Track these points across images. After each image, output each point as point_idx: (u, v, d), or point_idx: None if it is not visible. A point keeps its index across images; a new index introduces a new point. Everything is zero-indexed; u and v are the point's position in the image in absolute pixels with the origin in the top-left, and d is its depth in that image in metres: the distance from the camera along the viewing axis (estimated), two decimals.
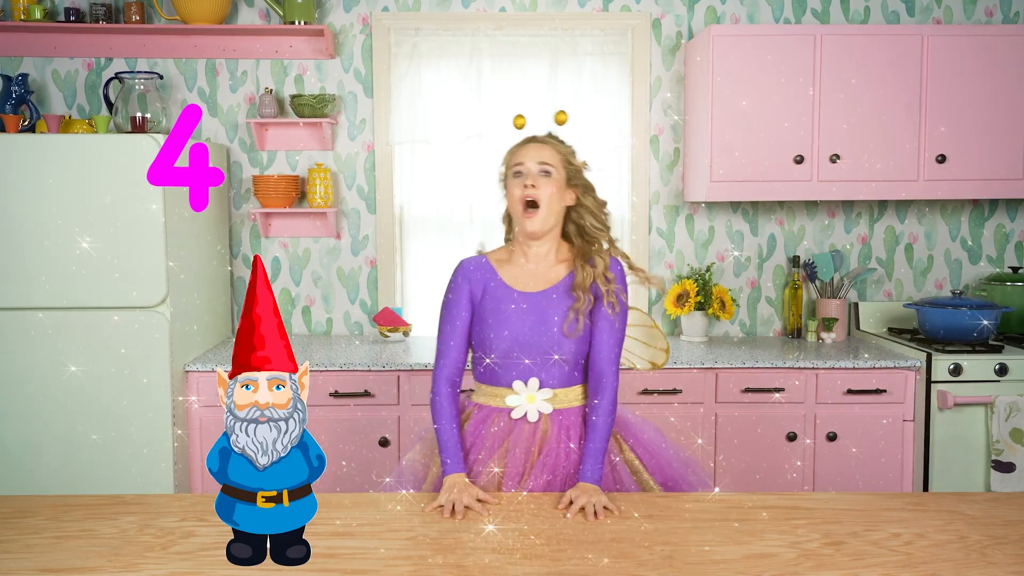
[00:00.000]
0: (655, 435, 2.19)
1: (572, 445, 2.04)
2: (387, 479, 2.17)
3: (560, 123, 2.21)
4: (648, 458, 2.14)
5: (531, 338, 2.03)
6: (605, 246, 2.11)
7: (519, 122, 2.22)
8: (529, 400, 2.05)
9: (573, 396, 2.09)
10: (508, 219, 2.18)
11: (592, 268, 2.05)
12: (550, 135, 2.14)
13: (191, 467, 3.16)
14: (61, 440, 3.00)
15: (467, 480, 1.94)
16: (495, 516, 1.79)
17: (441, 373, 2.07)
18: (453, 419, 2.03)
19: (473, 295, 2.09)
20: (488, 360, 2.07)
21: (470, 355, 2.13)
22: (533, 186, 2.02)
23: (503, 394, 2.06)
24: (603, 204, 2.13)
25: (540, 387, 2.05)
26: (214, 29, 3.42)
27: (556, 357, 2.03)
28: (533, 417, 2.05)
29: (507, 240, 2.20)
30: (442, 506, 1.84)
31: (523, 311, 2.05)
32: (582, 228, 2.10)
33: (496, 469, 2.01)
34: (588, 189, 2.11)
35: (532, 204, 2.02)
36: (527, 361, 2.04)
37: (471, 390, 2.17)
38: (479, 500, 1.86)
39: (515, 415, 2.05)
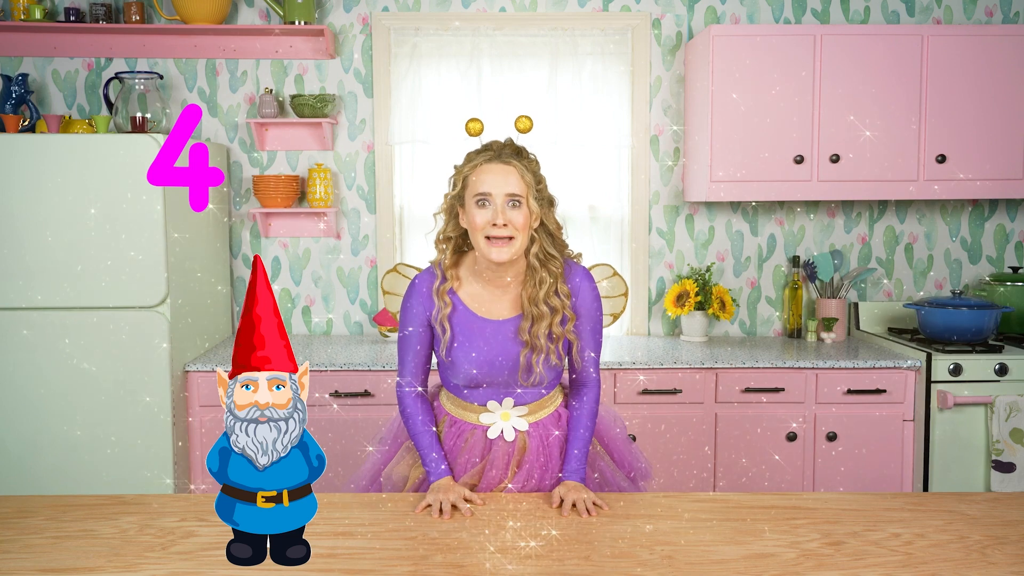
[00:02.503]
0: (613, 425, 2.18)
1: (550, 455, 2.00)
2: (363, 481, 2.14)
3: (523, 131, 2.00)
4: (615, 453, 2.15)
5: (500, 365, 1.95)
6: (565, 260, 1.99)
7: (474, 128, 2.01)
8: (504, 418, 1.99)
9: (548, 402, 2.04)
10: (450, 237, 1.98)
11: (543, 313, 1.91)
12: (513, 147, 1.94)
13: (191, 467, 3.16)
14: (61, 440, 3.00)
15: (452, 481, 1.92)
16: (495, 516, 1.79)
17: (406, 390, 2.01)
18: (428, 425, 1.98)
19: (430, 318, 1.97)
20: (456, 382, 2.00)
21: (435, 361, 2.06)
22: (504, 224, 1.85)
23: (477, 411, 2.00)
24: (560, 227, 1.97)
25: (515, 404, 1.99)
26: (214, 29, 3.42)
27: (526, 381, 1.96)
28: (510, 436, 1.99)
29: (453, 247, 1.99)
30: (430, 505, 1.82)
31: (489, 338, 1.95)
32: (533, 252, 1.92)
33: (471, 481, 1.98)
34: (552, 205, 1.96)
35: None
36: (498, 385, 1.98)
37: (439, 388, 2.11)
38: (465, 499, 1.84)
39: (491, 434, 1.99)
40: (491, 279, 1.96)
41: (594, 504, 1.83)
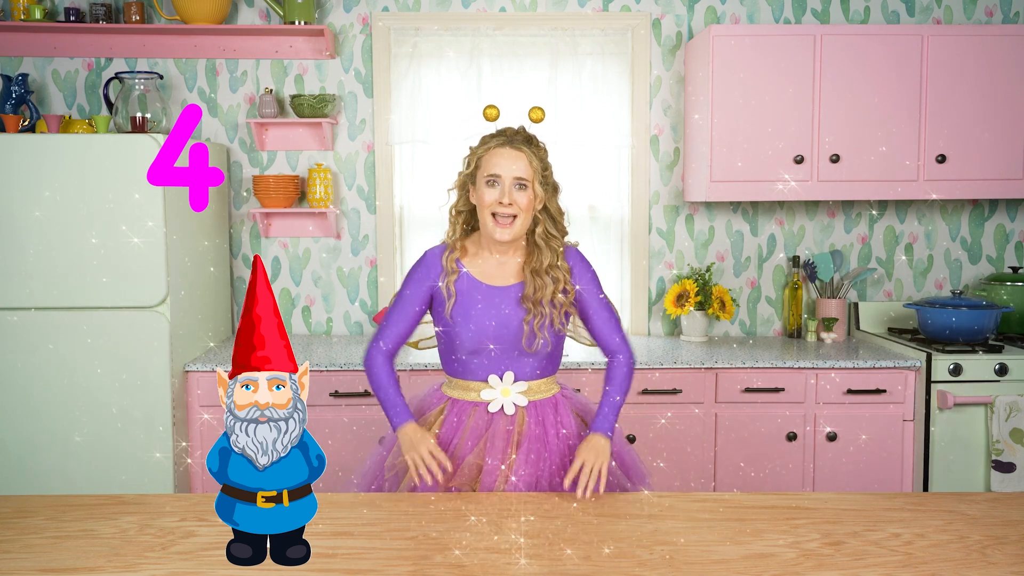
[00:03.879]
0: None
1: (547, 441, 2.07)
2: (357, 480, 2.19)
3: (536, 121, 2.15)
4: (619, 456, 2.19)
5: (502, 333, 2.04)
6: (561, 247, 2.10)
7: (491, 114, 2.16)
8: (504, 393, 2.07)
9: (547, 387, 2.12)
10: (461, 211, 2.12)
11: (545, 283, 2.03)
12: (524, 135, 2.08)
13: (191, 467, 3.16)
14: (61, 440, 3.00)
15: (418, 428, 2.02)
16: (495, 516, 1.79)
17: (378, 346, 2.10)
18: (392, 383, 2.08)
19: (435, 289, 2.08)
20: (459, 355, 2.07)
21: (436, 349, 2.17)
22: (509, 204, 1.99)
23: (477, 388, 2.09)
24: (562, 213, 2.10)
25: (515, 380, 2.08)
26: (214, 29, 3.42)
27: (530, 348, 2.05)
28: (510, 410, 2.07)
29: (462, 228, 2.14)
30: (417, 472, 1.96)
31: (493, 306, 2.05)
32: (538, 232, 2.07)
33: (476, 460, 2.03)
34: (556, 191, 2.09)
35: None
36: (498, 354, 2.06)
37: (443, 383, 2.19)
38: (431, 454, 1.97)
39: (492, 408, 2.07)
40: (495, 251, 2.08)
41: (595, 490, 1.93)
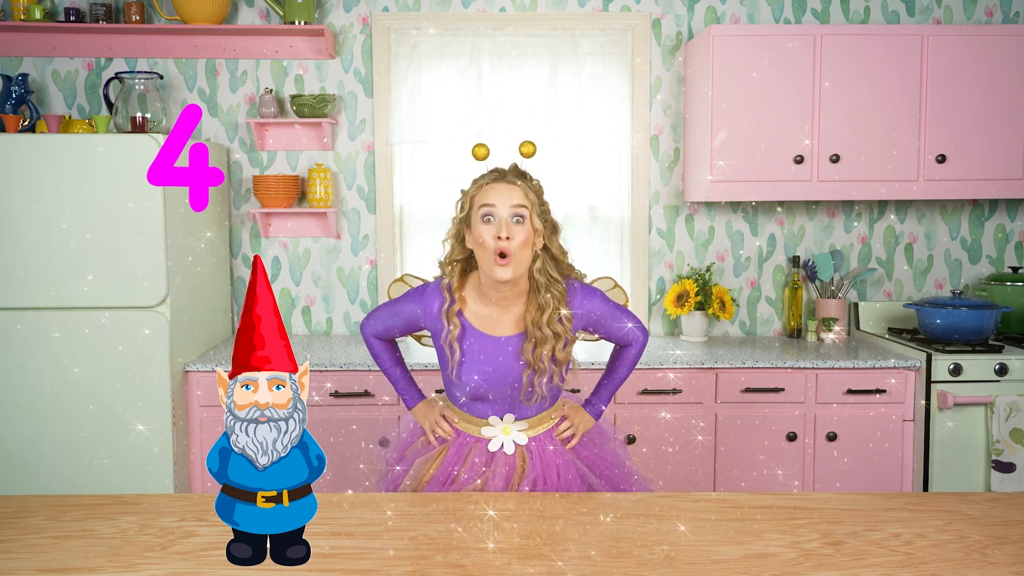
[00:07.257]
0: (604, 442, 2.22)
1: (548, 473, 2.06)
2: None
3: (527, 156, 2.07)
4: (597, 464, 2.17)
5: (501, 384, 2.02)
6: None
7: (480, 152, 2.08)
8: (504, 432, 2.07)
9: (546, 418, 2.12)
10: (459, 255, 2.04)
11: (546, 337, 1.97)
12: (517, 170, 2.01)
13: (191, 467, 3.16)
14: (61, 440, 3.00)
15: (427, 402, 2.19)
16: (495, 516, 1.79)
17: (370, 331, 2.17)
18: (396, 363, 2.21)
19: (427, 328, 2.07)
20: (459, 396, 2.07)
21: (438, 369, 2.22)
22: (508, 237, 1.90)
23: (479, 423, 2.09)
24: (565, 252, 2.03)
25: (515, 419, 2.08)
26: (214, 29, 3.42)
27: (528, 401, 2.05)
28: (510, 449, 2.07)
29: (457, 264, 2.06)
30: (436, 436, 2.11)
31: (492, 357, 2.01)
32: (535, 268, 1.98)
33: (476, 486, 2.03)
34: (555, 229, 2.02)
35: (504, 253, 1.91)
36: (498, 401, 2.05)
37: (442, 394, 2.21)
38: (442, 415, 2.13)
39: (492, 447, 2.07)
40: (495, 298, 2.01)
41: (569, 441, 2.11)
